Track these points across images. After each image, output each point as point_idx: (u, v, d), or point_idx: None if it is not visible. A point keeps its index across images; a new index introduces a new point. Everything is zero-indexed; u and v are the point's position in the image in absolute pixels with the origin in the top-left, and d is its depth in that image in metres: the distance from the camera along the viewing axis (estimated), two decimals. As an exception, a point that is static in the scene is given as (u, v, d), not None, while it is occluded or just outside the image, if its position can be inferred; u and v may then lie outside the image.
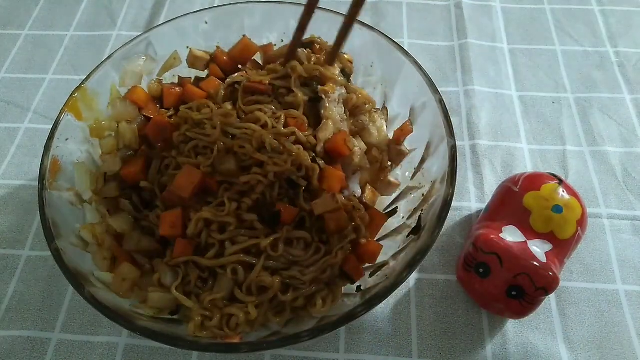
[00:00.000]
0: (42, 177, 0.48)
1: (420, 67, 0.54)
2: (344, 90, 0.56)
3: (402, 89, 0.58)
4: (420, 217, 0.51)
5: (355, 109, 0.57)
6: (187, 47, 0.61)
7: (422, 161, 0.56)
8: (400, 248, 0.51)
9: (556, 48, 0.80)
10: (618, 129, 0.70)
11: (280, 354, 0.54)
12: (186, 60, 0.61)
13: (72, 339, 0.55)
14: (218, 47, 0.62)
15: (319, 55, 0.57)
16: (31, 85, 0.77)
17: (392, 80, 0.59)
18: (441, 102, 0.51)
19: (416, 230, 0.50)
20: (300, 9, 0.59)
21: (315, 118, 0.53)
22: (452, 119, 0.50)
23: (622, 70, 0.77)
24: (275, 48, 0.62)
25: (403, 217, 0.55)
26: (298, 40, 0.54)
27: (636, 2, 0.85)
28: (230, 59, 0.61)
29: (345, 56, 0.59)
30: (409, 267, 0.42)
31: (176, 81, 0.62)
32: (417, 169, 0.56)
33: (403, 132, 0.58)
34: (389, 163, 0.59)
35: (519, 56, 0.79)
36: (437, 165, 0.51)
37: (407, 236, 0.51)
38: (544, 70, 0.77)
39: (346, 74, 0.58)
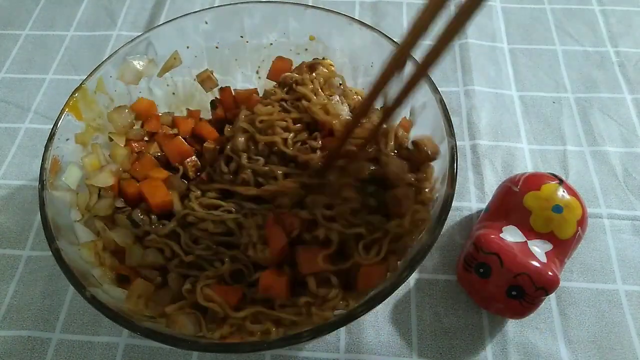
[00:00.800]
0: (42, 177, 0.48)
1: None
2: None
3: (402, 89, 0.58)
4: None
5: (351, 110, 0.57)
6: (187, 47, 0.61)
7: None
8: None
9: (556, 48, 0.80)
10: (618, 129, 0.70)
11: (280, 354, 0.54)
12: (196, 76, 0.63)
13: (72, 339, 0.55)
14: (227, 88, 0.63)
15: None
16: (31, 85, 0.77)
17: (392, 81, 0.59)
18: (441, 102, 0.51)
19: None
20: (301, 9, 0.59)
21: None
22: (452, 119, 0.50)
23: (623, 70, 0.77)
24: (273, 46, 0.63)
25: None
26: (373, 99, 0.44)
27: (636, 2, 0.85)
28: (235, 102, 0.62)
29: (327, 61, 0.59)
30: (409, 267, 0.42)
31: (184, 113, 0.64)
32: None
33: (403, 129, 0.58)
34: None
35: (519, 56, 0.79)
36: (437, 166, 0.51)
37: None
38: (544, 70, 0.77)
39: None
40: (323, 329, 0.40)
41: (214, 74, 0.63)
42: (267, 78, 0.62)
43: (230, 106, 0.62)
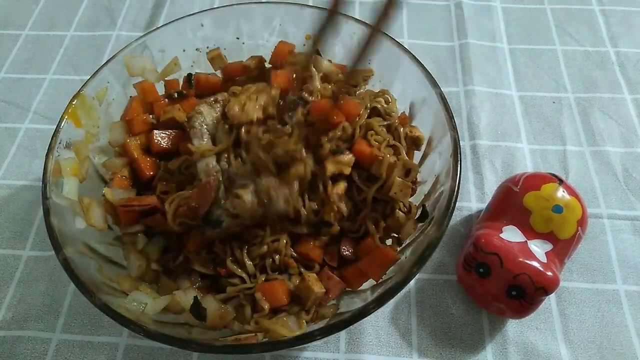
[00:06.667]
0: (44, 187, 0.47)
1: (418, 62, 0.53)
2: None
3: (401, 85, 0.58)
4: (424, 206, 0.51)
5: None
6: (184, 50, 0.61)
7: (424, 156, 0.56)
8: (407, 243, 0.51)
9: (556, 48, 0.80)
10: (618, 129, 0.70)
11: (280, 354, 0.54)
12: (207, 53, 0.62)
13: (72, 339, 0.55)
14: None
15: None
16: (31, 85, 0.77)
17: (391, 77, 0.59)
18: (441, 96, 0.51)
19: (422, 218, 0.50)
20: (300, 9, 0.59)
21: None
22: (452, 117, 0.50)
23: (622, 70, 0.77)
24: (270, 45, 0.62)
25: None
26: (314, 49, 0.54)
27: (636, 2, 0.85)
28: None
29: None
30: (419, 261, 0.43)
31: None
32: (420, 164, 0.56)
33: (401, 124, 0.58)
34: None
35: (519, 56, 0.79)
36: (440, 159, 0.51)
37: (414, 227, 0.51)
38: (544, 70, 0.77)
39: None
40: (336, 327, 0.40)
41: (224, 54, 0.62)
42: (269, 63, 0.62)
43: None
